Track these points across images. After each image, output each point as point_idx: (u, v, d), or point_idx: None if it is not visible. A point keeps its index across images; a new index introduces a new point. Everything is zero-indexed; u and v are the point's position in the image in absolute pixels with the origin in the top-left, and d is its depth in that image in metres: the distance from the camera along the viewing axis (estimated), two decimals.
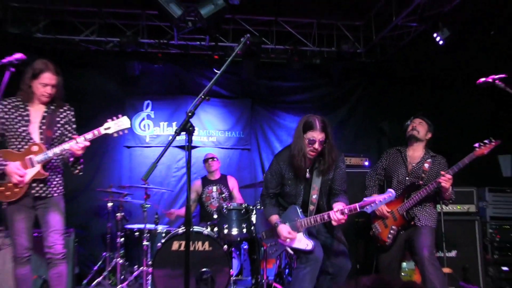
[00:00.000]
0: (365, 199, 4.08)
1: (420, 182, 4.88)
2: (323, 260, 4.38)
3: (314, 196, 4.34)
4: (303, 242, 4.27)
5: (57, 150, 4.16)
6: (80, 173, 4.45)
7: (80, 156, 4.32)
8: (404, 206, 4.85)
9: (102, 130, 4.24)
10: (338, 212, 4.07)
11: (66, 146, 4.14)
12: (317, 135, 4.16)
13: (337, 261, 4.39)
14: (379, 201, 4.02)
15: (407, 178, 5.00)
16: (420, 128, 5.03)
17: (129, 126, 4.33)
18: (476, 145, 4.61)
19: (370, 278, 0.97)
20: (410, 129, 5.09)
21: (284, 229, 4.27)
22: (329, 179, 4.40)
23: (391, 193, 4.03)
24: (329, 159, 4.29)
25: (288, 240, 4.26)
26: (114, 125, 4.27)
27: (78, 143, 4.11)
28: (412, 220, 4.86)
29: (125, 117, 4.31)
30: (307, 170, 4.36)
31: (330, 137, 4.24)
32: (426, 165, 4.92)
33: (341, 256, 4.41)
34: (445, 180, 4.59)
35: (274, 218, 4.39)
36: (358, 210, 4.07)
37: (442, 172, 4.65)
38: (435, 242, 4.95)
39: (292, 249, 4.37)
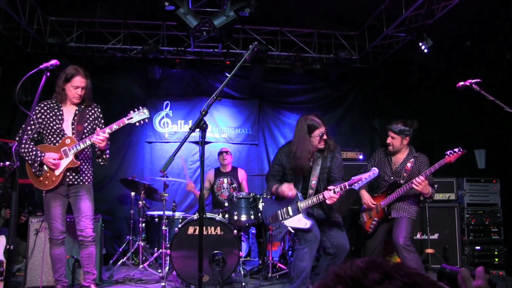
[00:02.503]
0: (353, 177, 4.12)
1: (401, 181, 4.93)
2: (324, 242, 4.42)
3: (314, 182, 4.41)
4: (302, 222, 4.34)
5: (87, 141, 4.20)
6: (104, 164, 4.51)
7: (105, 149, 4.36)
8: (386, 201, 4.93)
9: (125, 120, 4.30)
10: (331, 191, 4.14)
11: (92, 139, 4.18)
12: (322, 129, 4.28)
13: (336, 242, 4.42)
14: (365, 178, 4.11)
15: (391, 178, 5.05)
16: (393, 142, 5.00)
17: (149, 116, 4.38)
18: (447, 152, 4.63)
19: (364, 260, 0.96)
20: (387, 142, 5.07)
21: (284, 186, 4.37)
22: (327, 167, 4.46)
23: (374, 170, 4.12)
24: (328, 146, 4.40)
25: (291, 192, 4.32)
26: (136, 115, 4.32)
27: (98, 136, 4.15)
28: (389, 214, 4.95)
29: (145, 108, 4.36)
30: (310, 161, 4.43)
31: (326, 126, 4.38)
32: (409, 165, 4.96)
33: (340, 238, 4.45)
34: (417, 183, 4.63)
35: (275, 186, 4.50)
36: (348, 187, 4.13)
37: (417, 177, 4.67)
38: (411, 231, 4.97)
39: (293, 229, 4.46)
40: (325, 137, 4.30)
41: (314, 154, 4.43)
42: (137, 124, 4.34)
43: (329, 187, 4.20)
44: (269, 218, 4.66)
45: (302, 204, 4.35)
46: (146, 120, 4.38)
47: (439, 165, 4.67)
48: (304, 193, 4.43)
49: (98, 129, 4.34)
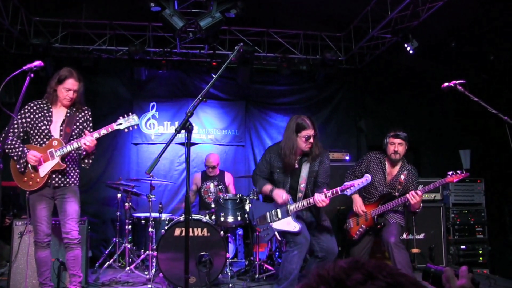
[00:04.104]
0: (345, 183, 4.16)
1: (396, 193, 4.94)
2: (313, 245, 4.44)
3: (302, 185, 4.44)
4: (291, 225, 4.35)
5: (75, 144, 4.17)
6: (87, 167, 4.47)
7: (92, 153, 4.34)
8: (377, 211, 4.92)
9: (114, 126, 4.28)
10: (322, 194, 4.17)
11: (79, 142, 4.16)
12: (310, 132, 4.30)
13: (325, 246, 4.45)
14: (357, 185, 4.17)
15: (385, 188, 5.04)
16: (400, 148, 4.94)
17: (138, 122, 4.38)
18: (450, 172, 4.65)
19: (347, 260, 0.97)
20: (391, 152, 4.97)
21: (279, 192, 4.38)
22: (315, 171, 4.48)
23: (367, 177, 4.17)
24: (315, 150, 4.42)
25: (284, 198, 4.33)
26: (125, 121, 4.30)
27: (86, 140, 4.12)
28: (379, 224, 4.94)
29: (135, 115, 4.35)
30: (296, 162, 4.44)
31: (317, 131, 4.39)
32: (402, 177, 4.98)
33: (329, 242, 4.47)
34: (413, 195, 4.62)
35: (269, 186, 4.48)
36: (340, 192, 4.19)
37: (416, 191, 4.66)
38: (401, 233, 5.10)
39: (282, 232, 4.45)
40: (311, 140, 4.31)
41: (301, 156, 4.45)
42: (126, 130, 4.32)
43: (318, 192, 4.25)
44: (257, 219, 4.66)
45: (291, 207, 4.37)
46: (135, 127, 4.38)
47: (439, 183, 4.73)
48: (293, 196, 4.44)
49: (86, 132, 4.31)
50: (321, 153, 4.50)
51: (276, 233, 4.45)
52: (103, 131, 4.23)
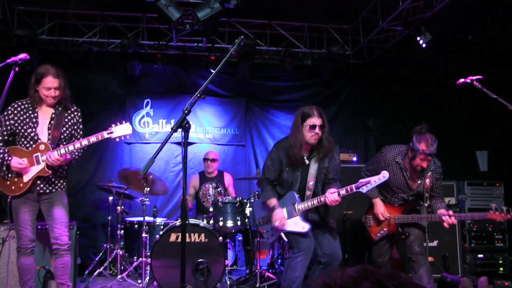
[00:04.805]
0: (361, 180, 4.11)
1: (426, 204, 4.77)
2: (315, 250, 4.40)
3: (311, 183, 4.38)
4: (299, 225, 4.29)
5: (62, 150, 4.16)
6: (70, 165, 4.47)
7: (66, 164, 4.36)
8: (401, 219, 4.77)
9: (105, 134, 4.24)
10: (335, 193, 4.12)
11: (62, 150, 4.15)
12: (315, 120, 4.24)
13: (329, 251, 4.39)
14: (374, 181, 4.08)
15: (409, 196, 4.86)
16: (426, 164, 4.65)
17: (131, 132, 4.35)
18: (493, 206, 4.47)
19: (355, 269, 0.95)
20: (417, 165, 4.62)
21: (279, 213, 4.31)
22: (325, 168, 4.43)
23: (385, 174, 4.05)
24: (326, 145, 4.35)
25: (278, 223, 4.27)
26: (117, 130, 4.26)
27: (51, 158, 4.13)
28: (403, 235, 4.82)
29: (128, 124, 4.31)
30: (305, 157, 4.40)
31: (326, 124, 4.32)
32: (428, 181, 4.75)
33: (333, 247, 4.41)
34: (449, 223, 4.56)
35: (274, 201, 4.41)
36: (354, 190, 4.12)
37: (451, 213, 4.58)
38: (424, 239, 5.00)
39: (289, 233, 4.37)
40: (317, 130, 4.24)
41: (309, 152, 4.41)
42: (117, 139, 4.30)
43: (330, 190, 4.17)
44: (259, 220, 4.62)
45: (300, 206, 4.31)
46: (128, 137, 4.37)
47: (479, 217, 4.68)
48: (301, 194, 4.39)
49: (81, 138, 4.30)
50: (332, 148, 4.43)
51: (282, 234, 4.40)
52: (93, 139, 4.20)
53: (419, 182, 4.81)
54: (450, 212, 4.60)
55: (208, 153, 7.30)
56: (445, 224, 4.58)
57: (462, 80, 3.84)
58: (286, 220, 4.33)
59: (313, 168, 4.39)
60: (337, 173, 4.50)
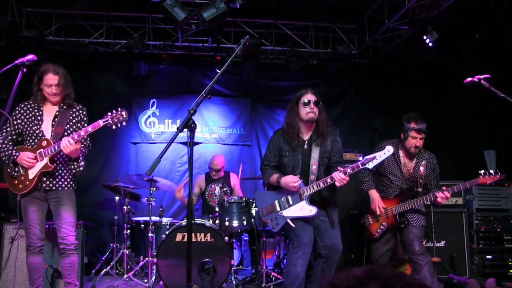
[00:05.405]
0: (366, 157, 4.11)
1: (419, 189, 4.85)
2: (316, 242, 4.38)
3: (314, 167, 4.35)
4: (306, 209, 4.27)
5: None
6: (78, 174, 4.44)
7: (76, 157, 4.35)
8: (398, 208, 4.84)
9: (101, 122, 4.23)
10: (341, 172, 4.10)
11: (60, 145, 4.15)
12: (310, 97, 4.33)
13: (329, 243, 4.35)
14: (379, 156, 4.06)
15: (403, 183, 4.95)
16: (421, 142, 4.83)
17: (126, 118, 4.29)
18: (482, 172, 4.57)
19: (362, 269, 0.96)
20: (412, 146, 4.82)
21: (288, 177, 4.28)
22: (327, 152, 4.43)
23: (389, 148, 4.06)
24: (323, 126, 4.38)
25: (296, 183, 4.23)
26: (113, 117, 4.25)
27: (65, 142, 4.12)
28: (403, 223, 4.86)
29: (124, 110, 4.28)
30: (306, 141, 4.42)
31: (321, 103, 4.38)
32: (422, 169, 4.87)
33: (333, 239, 4.37)
34: (443, 197, 4.61)
35: (276, 175, 4.39)
36: (361, 167, 4.10)
37: (444, 188, 4.64)
38: (424, 236, 4.99)
39: (294, 219, 4.33)
40: (312, 106, 4.28)
41: (310, 137, 4.43)
42: (114, 127, 4.29)
43: (339, 168, 4.15)
44: (263, 210, 4.51)
45: (305, 190, 4.28)
46: (124, 123, 4.32)
47: (470, 184, 4.67)
48: (305, 179, 4.36)
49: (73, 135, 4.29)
50: (332, 131, 4.47)
51: (289, 220, 4.36)
52: (90, 129, 4.19)
53: (413, 166, 4.94)
54: (443, 188, 4.65)
55: (214, 161, 7.09)
56: (440, 200, 4.63)
57: (469, 79, 3.83)
58: (288, 206, 4.33)
59: (315, 152, 4.38)
60: (341, 156, 4.54)
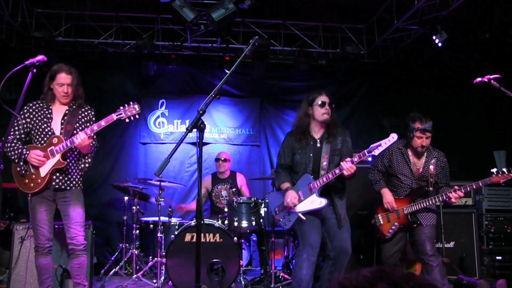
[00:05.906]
0: (372, 145, 4.18)
1: (430, 188, 4.84)
2: (325, 243, 4.40)
3: (325, 163, 4.42)
4: (316, 202, 4.33)
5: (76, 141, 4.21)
6: (85, 169, 4.47)
7: (86, 154, 4.39)
8: (410, 208, 4.83)
9: (114, 116, 4.28)
10: (349, 161, 4.15)
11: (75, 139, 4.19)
12: (325, 98, 4.42)
13: (338, 245, 4.38)
14: (385, 143, 4.15)
15: (413, 182, 4.94)
16: (427, 141, 4.84)
17: (140, 111, 4.35)
18: (494, 170, 4.57)
19: (371, 269, 0.95)
20: (418, 145, 4.83)
21: (291, 193, 4.37)
22: (337, 150, 4.49)
23: (394, 135, 4.15)
24: (334, 126, 4.50)
25: (289, 201, 4.33)
26: (126, 111, 4.30)
27: (80, 136, 4.15)
28: (414, 223, 4.85)
29: (136, 104, 4.34)
30: (318, 139, 4.48)
31: (332, 102, 4.47)
32: (432, 167, 4.86)
33: (342, 241, 4.41)
34: (456, 197, 4.62)
35: (287, 184, 4.50)
36: (367, 154, 4.18)
37: (456, 187, 4.64)
38: (435, 236, 4.97)
39: (306, 213, 4.38)
40: (327, 107, 4.38)
41: (321, 135, 4.48)
42: (127, 120, 4.33)
43: (346, 159, 4.22)
44: (275, 210, 4.62)
45: (315, 183, 4.34)
46: (137, 116, 4.36)
47: (483, 183, 4.65)
48: (316, 175, 4.40)
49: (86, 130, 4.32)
50: (343, 131, 4.56)
51: (300, 214, 4.37)
52: (103, 123, 4.23)
53: (422, 165, 4.93)
54: (455, 187, 4.65)
55: (220, 153, 7.33)
56: (453, 200, 4.64)
57: (479, 79, 3.81)
58: (299, 201, 4.37)
59: (326, 148, 4.44)
60: (351, 156, 4.52)
